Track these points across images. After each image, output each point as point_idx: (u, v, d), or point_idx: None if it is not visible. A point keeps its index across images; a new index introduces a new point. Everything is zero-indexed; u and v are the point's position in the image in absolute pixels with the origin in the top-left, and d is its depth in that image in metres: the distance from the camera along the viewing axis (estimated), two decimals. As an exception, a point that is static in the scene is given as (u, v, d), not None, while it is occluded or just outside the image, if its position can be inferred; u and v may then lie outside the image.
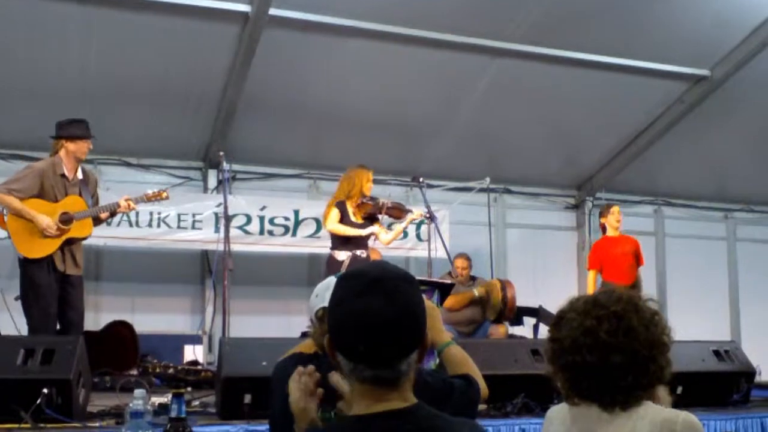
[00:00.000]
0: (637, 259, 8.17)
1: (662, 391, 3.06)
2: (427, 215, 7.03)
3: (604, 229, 8.31)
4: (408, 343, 1.65)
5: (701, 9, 8.28)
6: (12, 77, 7.79)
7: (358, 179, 6.79)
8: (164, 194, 6.22)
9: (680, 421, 2.00)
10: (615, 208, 8.28)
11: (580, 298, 2.18)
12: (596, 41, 8.48)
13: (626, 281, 7.85)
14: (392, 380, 1.64)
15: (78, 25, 7.42)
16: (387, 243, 7.19)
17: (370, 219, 6.87)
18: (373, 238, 6.95)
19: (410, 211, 7.03)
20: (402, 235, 9.28)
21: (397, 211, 6.97)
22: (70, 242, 5.75)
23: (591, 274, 8.13)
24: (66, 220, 5.67)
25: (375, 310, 1.61)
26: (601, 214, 8.36)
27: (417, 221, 7.25)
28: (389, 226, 7.40)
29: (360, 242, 6.79)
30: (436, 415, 1.68)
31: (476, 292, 8.23)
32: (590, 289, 7.82)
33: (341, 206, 6.76)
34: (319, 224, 8.95)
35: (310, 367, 2.18)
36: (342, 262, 6.61)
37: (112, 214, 6.17)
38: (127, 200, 5.97)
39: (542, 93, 9.06)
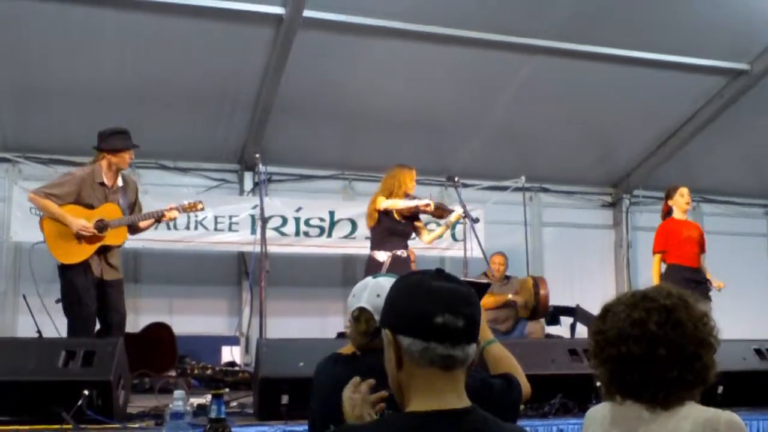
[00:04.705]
0: (702, 247, 7.65)
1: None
2: (465, 215, 6.96)
3: (668, 212, 7.65)
4: (476, 323, 1.73)
5: (739, 1, 8.16)
6: (49, 83, 7.91)
7: (401, 178, 6.66)
8: (200, 206, 6.22)
9: (723, 421, 1.97)
10: (684, 189, 7.59)
11: (627, 292, 2.15)
12: (632, 37, 8.38)
13: (694, 265, 7.45)
14: (460, 362, 1.69)
15: (115, 30, 7.51)
16: (429, 242, 7.12)
17: (412, 218, 6.77)
18: (414, 236, 6.89)
19: (453, 210, 6.87)
20: (440, 234, 9.30)
21: (440, 211, 6.84)
22: (105, 249, 5.79)
23: (656, 259, 7.48)
24: (101, 227, 5.70)
25: (452, 288, 1.74)
26: (668, 196, 7.66)
27: (459, 222, 7.12)
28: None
29: (401, 242, 6.69)
30: (490, 419, 1.70)
31: (511, 296, 8.20)
32: (656, 274, 7.37)
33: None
34: (354, 225, 8.97)
35: (370, 381, 2.16)
36: (382, 263, 6.52)
37: (158, 221, 6.12)
38: (170, 209, 5.99)
39: (577, 90, 8.98)
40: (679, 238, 7.48)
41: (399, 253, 6.63)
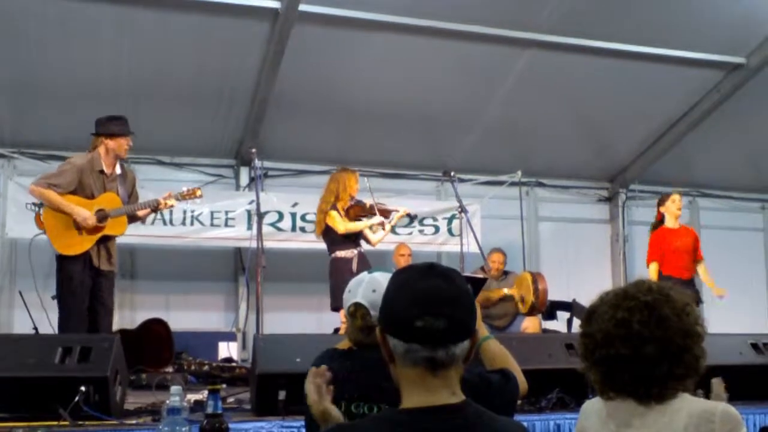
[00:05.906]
0: (696, 254, 7.64)
1: (718, 386, 3.03)
2: (462, 209, 7.04)
3: (661, 219, 7.68)
4: (463, 322, 1.69)
5: (735, -4, 8.18)
6: (46, 78, 7.89)
7: (345, 182, 6.87)
8: (198, 192, 6.22)
9: (719, 413, 1.97)
10: (675, 196, 7.63)
11: (609, 291, 2.16)
12: (628, 30, 8.37)
13: (685, 276, 7.44)
14: (445, 364, 1.65)
15: (110, 25, 7.49)
16: (376, 243, 7.22)
17: (358, 221, 6.95)
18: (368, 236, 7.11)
19: (396, 210, 7.12)
20: (433, 229, 9.32)
21: (384, 212, 7.03)
22: (105, 239, 5.77)
23: (653, 267, 7.46)
24: (101, 217, 5.68)
25: (435, 288, 1.68)
26: (660, 203, 7.71)
27: (407, 218, 7.40)
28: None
29: (355, 243, 6.90)
30: (484, 413, 1.69)
31: (506, 291, 8.21)
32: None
33: (335, 209, 6.83)
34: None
35: (322, 367, 2.20)
36: (351, 258, 6.74)
37: (154, 211, 6.15)
38: (168, 196, 5.99)
39: (573, 84, 8.97)
40: (671, 249, 7.50)
41: (361, 250, 6.88)
